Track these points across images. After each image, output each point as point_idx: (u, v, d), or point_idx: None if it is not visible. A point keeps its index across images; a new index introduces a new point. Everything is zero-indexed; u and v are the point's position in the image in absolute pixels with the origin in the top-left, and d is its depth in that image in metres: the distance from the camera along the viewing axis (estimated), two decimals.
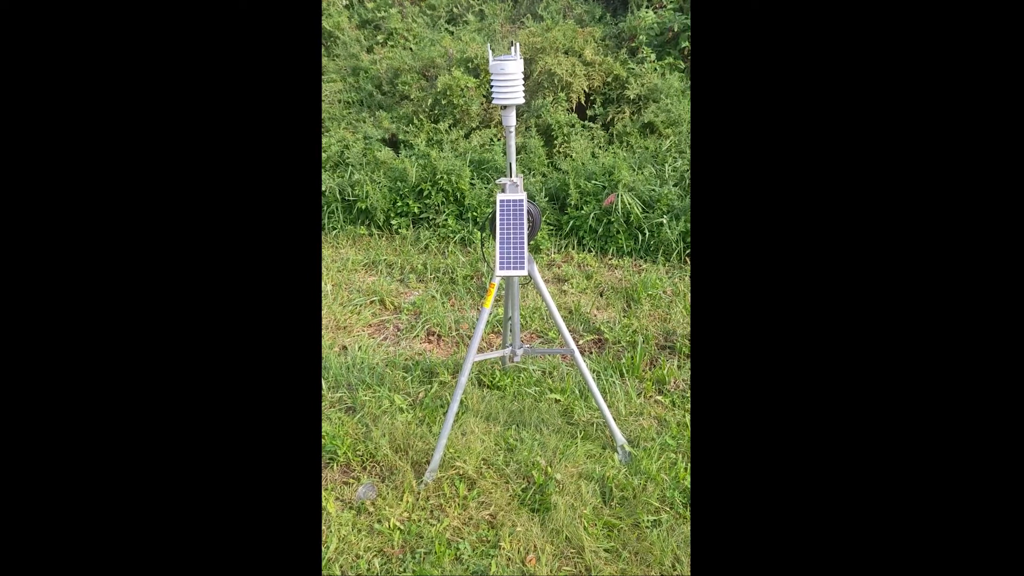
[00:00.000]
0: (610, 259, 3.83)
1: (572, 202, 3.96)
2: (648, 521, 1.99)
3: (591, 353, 2.94)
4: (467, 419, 2.46)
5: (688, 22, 4.69)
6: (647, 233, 3.78)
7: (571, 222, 3.95)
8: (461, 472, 2.18)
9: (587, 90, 4.54)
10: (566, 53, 4.56)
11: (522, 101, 1.94)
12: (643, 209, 3.82)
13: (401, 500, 2.10)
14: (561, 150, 4.31)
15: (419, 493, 2.12)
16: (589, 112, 4.59)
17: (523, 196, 2.01)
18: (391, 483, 2.17)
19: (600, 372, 2.77)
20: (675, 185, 3.89)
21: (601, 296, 3.45)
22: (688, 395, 2.59)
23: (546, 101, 4.44)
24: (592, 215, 3.86)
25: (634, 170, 3.95)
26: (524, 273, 1.92)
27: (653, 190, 3.84)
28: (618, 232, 3.86)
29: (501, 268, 1.93)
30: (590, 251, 3.91)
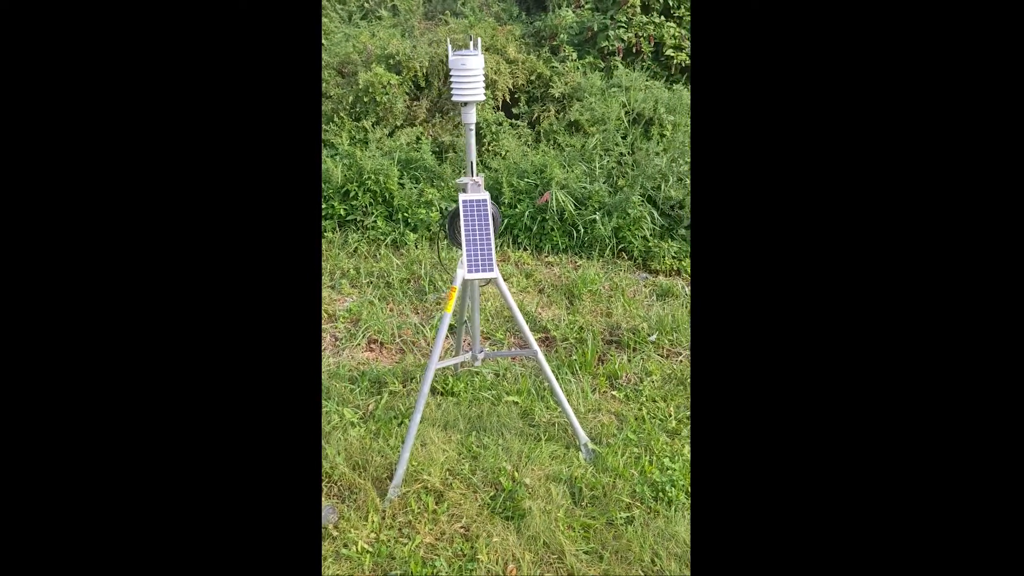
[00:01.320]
0: (546, 257, 3.83)
1: (506, 200, 3.92)
2: (621, 518, 1.99)
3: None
4: (425, 429, 2.36)
5: (607, 22, 4.77)
6: (581, 230, 3.80)
7: (506, 221, 3.92)
8: (427, 485, 2.09)
9: (512, 88, 4.52)
10: (488, 50, 4.52)
11: (483, 97, 1.88)
12: (576, 206, 3.85)
13: (366, 520, 1.98)
14: (490, 148, 4.26)
15: (385, 511, 2.01)
16: (515, 110, 4.57)
17: (486, 196, 1.95)
18: (352, 503, 2.04)
19: (553, 371, 2.75)
20: (604, 182, 3.94)
21: (542, 293, 3.44)
22: (641, 389, 2.63)
23: None
24: (527, 213, 3.85)
25: (565, 168, 3.97)
26: (494, 275, 1.86)
27: (584, 187, 3.88)
28: (552, 230, 3.87)
29: (470, 271, 1.86)
30: (526, 249, 3.89)
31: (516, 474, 2.14)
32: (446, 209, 3.94)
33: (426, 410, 2.48)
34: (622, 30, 4.72)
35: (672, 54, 4.90)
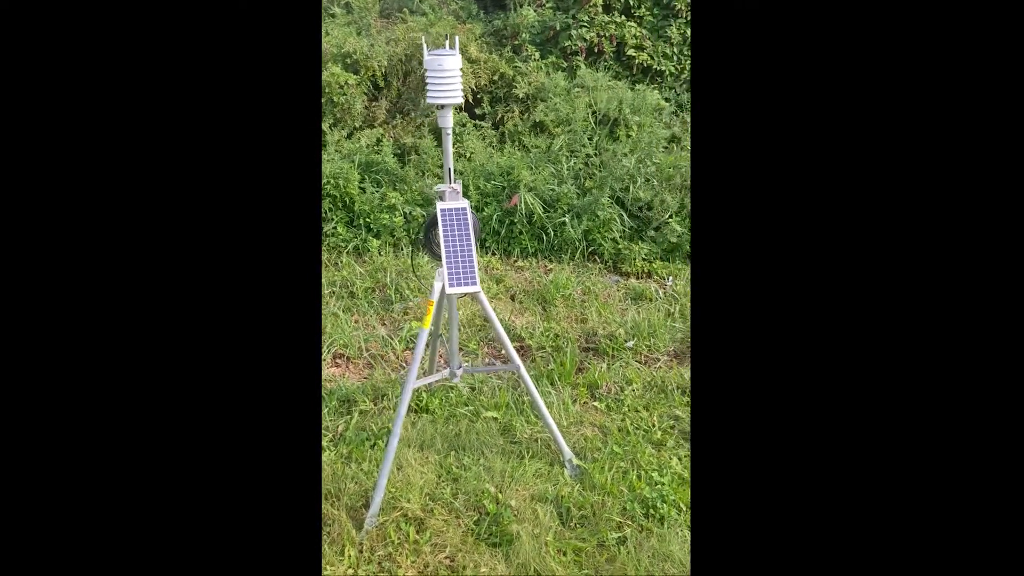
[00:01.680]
0: (516, 261, 3.73)
1: (473, 204, 3.80)
2: (613, 539, 1.91)
3: None
4: (401, 450, 2.23)
5: (568, 21, 4.70)
6: (551, 233, 3.72)
7: None
8: (407, 513, 1.96)
9: (474, 89, 4.40)
10: None
11: (461, 100, 1.76)
12: (545, 209, 3.76)
13: (342, 555, 1.84)
14: (455, 150, 4.13)
15: (362, 544, 1.87)
16: (478, 111, 4.45)
17: (466, 204, 1.84)
18: (327, 536, 1.90)
19: (532, 382, 2.65)
20: (572, 184, 3.86)
21: (514, 300, 3.33)
22: (623, 398, 2.55)
23: None
24: (495, 216, 3.74)
25: (533, 170, 3.87)
26: (476, 289, 1.74)
27: (553, 189, 3.79)
28: (521, 233, 3.77)
29: (452, 284, 1.73)
30: (494, 254, 3.78)
31: (500, 496, 2.03)
32: (410, 214, 3.80)
33: (401, 430, 2.35)
34: (584, 30, 4.65)
35: (633, 54, 4.86)
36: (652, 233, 3.75)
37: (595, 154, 4.03)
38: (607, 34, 4.73)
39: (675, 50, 5.01)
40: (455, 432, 2.34)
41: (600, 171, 3.94)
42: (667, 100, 4.60)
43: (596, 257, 3.74)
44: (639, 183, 3.81)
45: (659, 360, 2.83)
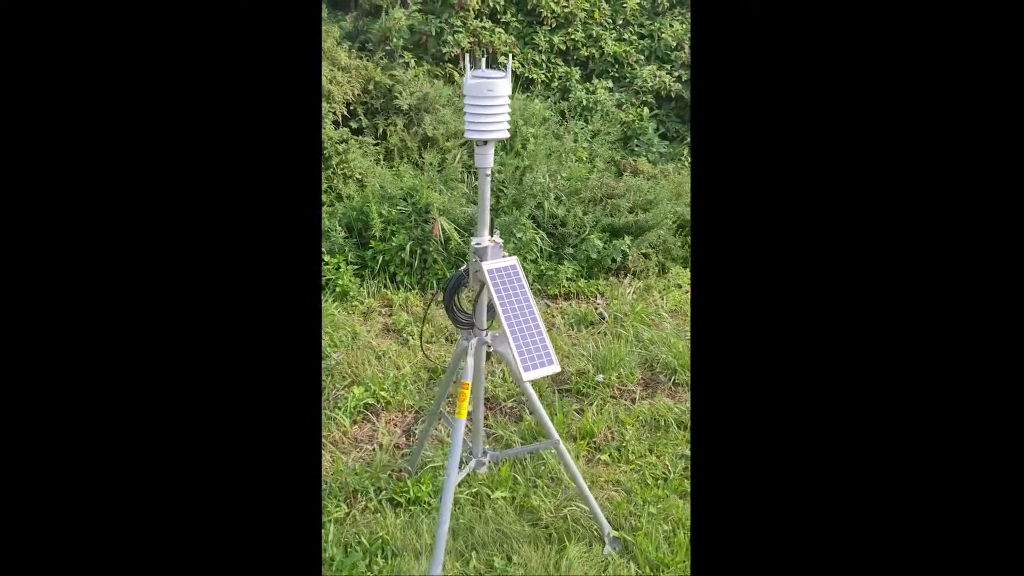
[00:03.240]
0: (436, 295, 3.32)
1: (376, 233, 3.31)
2: None
3: (489, 420, 2.45)
4: (406, 564, 1.78)
5: (443, 26, 4.34)
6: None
7: (379, 258, 3.31)
8: None
9: (348, 100, 3.86)
10: None
11: (507, 134, 1.39)
12: (460, 233, 3.40)
13: None
14: (340, 171, 3.58)
15: None
16: (353, 124, 3.92)
17: (515, 261, 1.46)
18: None
19: (518, 441, 2.32)
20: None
21: (450, 341, 2.94)
22: (624, 444, 2.33)
23: None
24: (407, 247, 3.29)
25: (440, 191, 3.48)
26: (556, 369, 1.39)
27: (466, 211, 3.45)
28: (435, 262, 3.37)
29: (527, 368, 1.36)
30: (410, 288, 3.33)
31: None
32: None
33: (388, 534, 1.89)
34: (459, 35, 4.33)
35: (504, 61, 4.66)
36: (570, 251, 3.58)
37: (498, 170, 3.75)
38: (481, 41, 4.46)
39: (543, 57, 4.91)
40: (465, 525, 1.94)
41: (508, 188, 3.68)
42: (549, 110, 4.46)
43: None
44: (551, 199, 3.62)
45: (635, 392, 2.66)
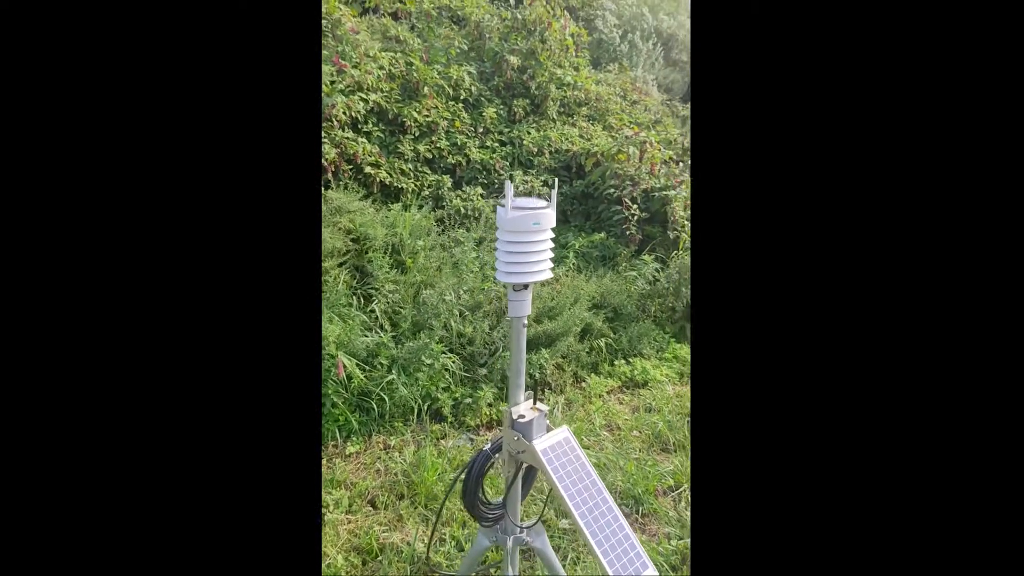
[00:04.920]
0: (345, 449, 2.77)
1: None
2: None
3: None
4: None
5: None
6: (384, 400, 2.89)
7: None
8: None
9: None
10: None
11: (551, 275, 1.08)
12: (362, 368, 2.93)
13: None
14: None
15: None
16: None
17: (567, 432, 1.12)
18: None
19: None
20: (386, 331, 3.13)
21: (375, 507, 2.42)
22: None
23: None
24: None
25: (330, 320, 3.01)
26: (655, 574, 1.03)
27: (365, 342, 2.99)
28: (335, 406, 2.84)
29: None
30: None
31: None
32: None
33: None
34: (327, 147, 3.99)
35: (371, 172, 4.38)
36: (484, 372, 3.25)
37: (393, 290, 3.37)
38: (347, 152, 4.15)
39: (410, 166, 4.71)
40: None
41: (404, 309, 3.30)
42: (426, 219, 4.21)
43: (436, 416, 3.05)
44: (457, 316, 3.30)
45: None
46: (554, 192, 1.08)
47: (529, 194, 5.09)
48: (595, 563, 1.19)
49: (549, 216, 1.04)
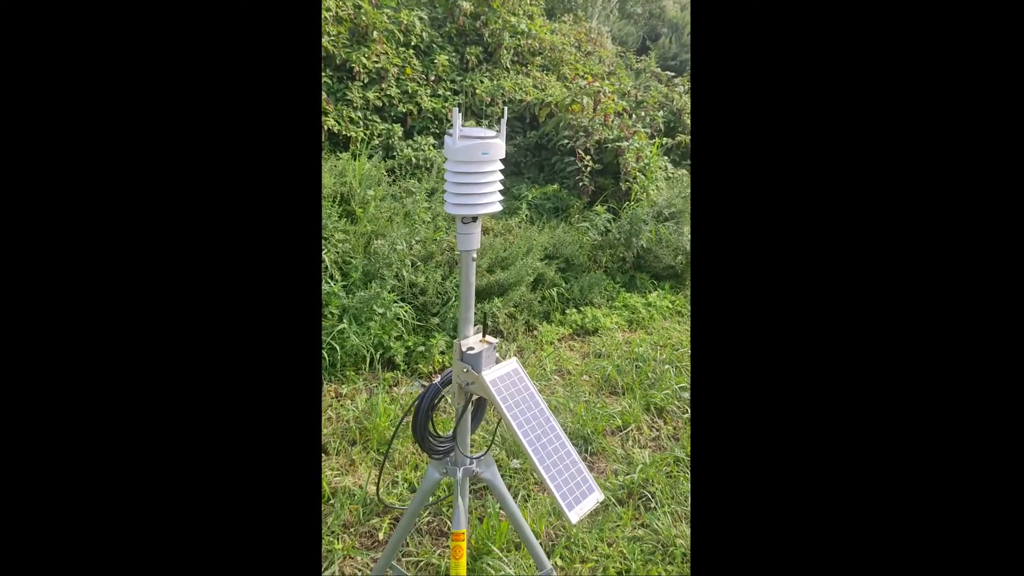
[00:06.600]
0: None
1: None
2: None
3: None
4: None
5: None
6: (336, 349, 2.87)
7: None
8: None
9: None
10: None
11: (500, 207, 1.09)
12: None
13: None
14: None
15: None
16: None
17: (515, 364, 1.14)
18: None
19: None
20: (336, 281, 3.08)
21: (328, 454, 2.43)
22: (580, 544, 2.05)
23: None
24: None
25: None
26: (600, 498, 1.08)
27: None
28: None
29: (570, 508, 1.03)
30: None
31: None
32: None
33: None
34: None
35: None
36: (436, 321, 3.26)
37: (343, 239, 3.31)
38: None
39: (359, 115, 4.58)
40: None
41: (355, 259, 3.26)
42: (376, 169, 4.12)
43: (389, 364, 3.06)
44: (408, 265, 3.28)
45: None
46: (503, 122, 1.08)
47: None
48: (545, 492, 1.23)
49: (498, 146, 1.04)
